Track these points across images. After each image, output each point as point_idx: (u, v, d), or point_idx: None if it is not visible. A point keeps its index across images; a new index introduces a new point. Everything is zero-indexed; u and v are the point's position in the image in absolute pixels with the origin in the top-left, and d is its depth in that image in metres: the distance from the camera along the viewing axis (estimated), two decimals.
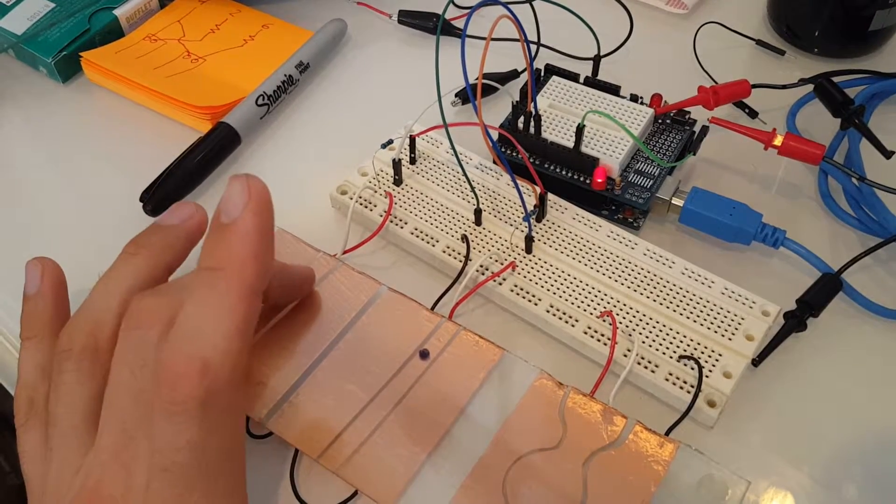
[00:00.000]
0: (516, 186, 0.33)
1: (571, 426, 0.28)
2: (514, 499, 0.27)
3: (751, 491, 0.28)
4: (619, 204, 0.36)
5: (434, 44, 0.30)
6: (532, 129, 0.36)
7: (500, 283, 0.33)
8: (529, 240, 0.34)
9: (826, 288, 0.33)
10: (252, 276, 0.23)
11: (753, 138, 0.36)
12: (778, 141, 0.36)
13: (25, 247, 0.37)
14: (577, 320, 0.32)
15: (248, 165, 0.40)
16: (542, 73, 0.40)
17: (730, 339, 0.31)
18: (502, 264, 0.33)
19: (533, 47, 0.44)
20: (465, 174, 0.34)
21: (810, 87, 0.41)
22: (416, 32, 0.47)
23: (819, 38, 0.44)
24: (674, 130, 0.38)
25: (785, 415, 0.31)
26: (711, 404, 0.29)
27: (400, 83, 0.44)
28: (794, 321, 0.32)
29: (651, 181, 0.35)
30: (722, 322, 0.31)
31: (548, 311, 0.32)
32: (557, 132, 0.36)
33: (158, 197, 0.37)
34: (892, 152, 0.37)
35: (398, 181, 0.37)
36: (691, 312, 0.32)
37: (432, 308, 0.33)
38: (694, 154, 0.36)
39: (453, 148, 0.33)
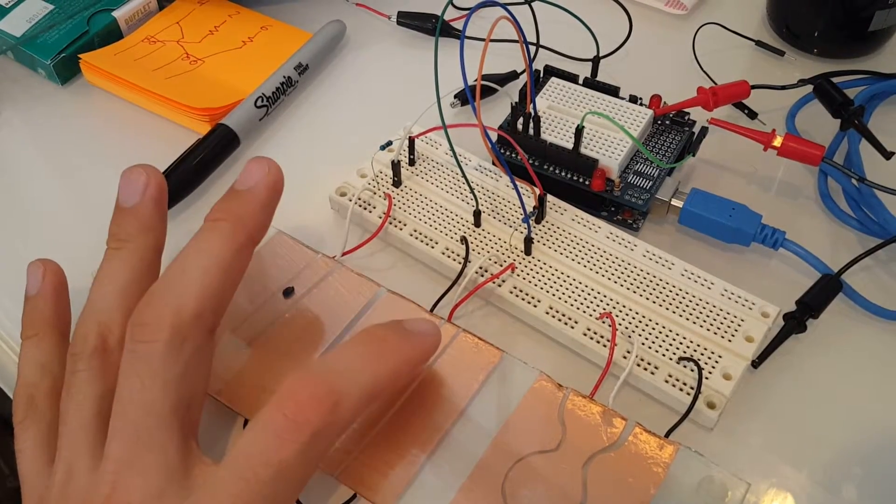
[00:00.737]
0: (515, 188, 0.33)
1: (571, 428, 0.28)
2: (513, 501, 0.27)
3: (751, 492, 0.28)
4: (619, 205, 0.36)
5: (433, 45, 0.30)
6: (531, 131, 0.36)
7: (500, 285, 0.33)
8: (529, 241, 0.34)
9: (826, 289, 0.33)
10: (252, 226, 0.27)
11: (753, 139, 0.36)
12: (777, 142, 0.36)
13: (24, 249, 0.37)
14: (576, 322, 0.32)
15: None
16: (541, 75, 0.40)
17: (729, 341, 0.31)
18: (501, 266, 0.33)
19: (532, 48, 0.44)
20: (464, 175, 0.34)
21: (810, 87, 0.41)
22: (415, 34, 0.47)
23: (819, 38, 0.44)
24: (673, 131, 0.38)
25: (785, 416, 0.31)
26: (711, 406, 0.29)
27: (399, 84, 0.44)
28: (794, 322, 0.32)
29: (650, 182, 0.35)
30: (721, 323, 0.31)
31: (547, 313, 0.32)
32: (556, 133, 0.36)
33: None
34: (892, 153, 0.37)
35: (397, 183, 0.37)
36: (691, 314, 0.32)
37: (431, 310, 0.32)
38: (693, 155, 0.36)
39: (452, 149, 0.33)
